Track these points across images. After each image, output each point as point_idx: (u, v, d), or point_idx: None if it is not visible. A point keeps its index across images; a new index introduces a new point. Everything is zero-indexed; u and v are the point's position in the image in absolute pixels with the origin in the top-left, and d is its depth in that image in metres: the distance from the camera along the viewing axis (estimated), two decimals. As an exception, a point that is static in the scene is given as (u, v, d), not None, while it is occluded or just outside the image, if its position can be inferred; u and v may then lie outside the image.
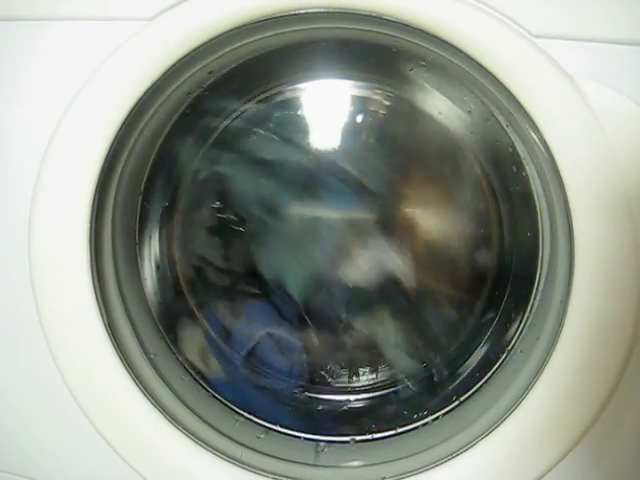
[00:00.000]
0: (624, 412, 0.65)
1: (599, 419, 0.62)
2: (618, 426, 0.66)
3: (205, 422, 0.76)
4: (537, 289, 0.77)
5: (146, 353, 0.76)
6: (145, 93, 0.65)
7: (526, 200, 0.80)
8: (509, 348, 0.79)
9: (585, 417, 0.62)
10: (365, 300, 0.92)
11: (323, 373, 0.92)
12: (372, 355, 0.92)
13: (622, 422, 0.66)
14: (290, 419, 0.85)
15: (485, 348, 0.85)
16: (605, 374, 0.61)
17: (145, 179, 0.82)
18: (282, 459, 0.76)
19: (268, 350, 0.92)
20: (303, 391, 0.91)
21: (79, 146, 0.65)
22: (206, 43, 0.64)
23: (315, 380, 0.92)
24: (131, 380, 0.69)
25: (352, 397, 0.91)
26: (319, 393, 0.91)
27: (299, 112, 0.89)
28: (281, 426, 0.83)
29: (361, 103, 0.88)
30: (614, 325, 0.60)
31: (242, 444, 0.76)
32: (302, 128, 0.89)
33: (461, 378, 0.85)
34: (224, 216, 0.91)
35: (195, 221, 0.92)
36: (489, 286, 0.87)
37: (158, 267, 0.88)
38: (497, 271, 0.86)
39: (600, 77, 0.58)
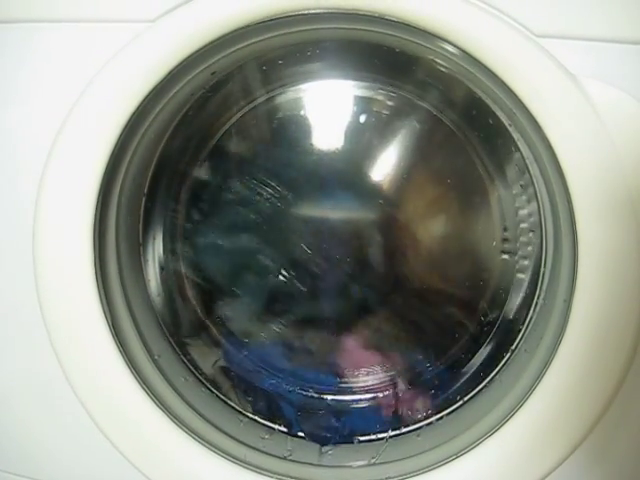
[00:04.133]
0: (628, 412, 0.65)
1: (603, 418, 0.62)
2: (622, 426, 0.66)
3: (209, 423, 0.76)
4: (541, 288, 0.77)
5: (150, 354, 0.76)
6: (148, 95, 0.65)
7: (529, 199, 0.80)
8: (513, 347, 0.79)
9: (589, 416, 0.62)
10: (368, 300, 0.92)
11: (327, 373, 0.92)
12: (376, 355, 0.92)
13: (626, 422, 0.66)
14: (294, 419, 0.85)
15: (489, 347, 0.85)
16: (609, 373, 0.61)
17: (149, 180, 0.82)
18: (286, 459, 0.76)
19: (272, 350, 0.92)
20: (307, 391, 0.91)
21: (83, 147, 0.65)
22: (209, 44, 0.64)
23: (319, 380, 0.92)
24: (135, 381, 0.70)
25: (356, 397, 0.91)
26: (323, 393, 0.91)
27: (302, 113, 0.89)
28: (285, 426, 0.83)
29: (364, 103, 0.88)
30: (618, 323, 0.60)
31: (246, 445, 0.76)
32: (305, 129, 0.89)
33: (465, 378, 0.85)
34: (228, 216, 0.91)
35: (199, 221, 0.92)
36: (492, 285, 0.87)
37: (162, 268, 0.88)
38: (500, 270, 0.86)
39: (603, 76, 0.58)
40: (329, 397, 0.91)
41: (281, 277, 0.91)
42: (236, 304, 0.93)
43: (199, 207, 0.92)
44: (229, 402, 0.84)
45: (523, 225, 0.83)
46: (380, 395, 0.90)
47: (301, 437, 0.83)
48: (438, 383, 0.87)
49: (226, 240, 0.92)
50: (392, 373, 0.91)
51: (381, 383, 0.91)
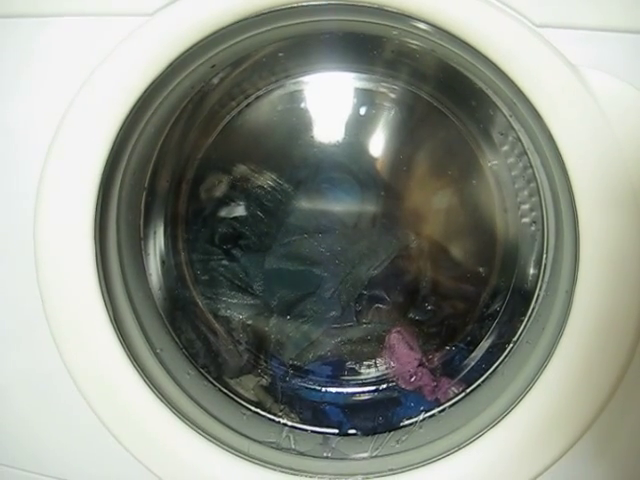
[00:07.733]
0: (630, 403, 0.65)
1: (605, 409, 0.62)
2: (624, 416, 0.66)
3: (212, 416, 0.76)
4: (542, 280, 0.77)
5: (152, 348, 0.76)
6: (148, 88, 0.65)
7: (531, 191, 0.80)
8: (515, 339, 0.79)
9: (592, 407, 0.62)
10: (371, 293, 0.92)
11: (330, 366, 0.92)
12: (379, 348, 0.92)
13: (628, 413, 0.66)
14: (298, 412, 0.85)
15: (491, 339, 0.85)
16: (611, 364, 0.61)
17: (149, 174, 0.82)
18: (289, 452, 0.77)
19: (274, 343, 0.92)
20: (310, 384, 0.91)
21: (83, 142, 0.65)
22: (208, 37, 0.63)
23: (322, 373, 0.92)
24: (137, 375, 0.70)
25: (359, 390, 0.91)
26: (326, 386, 0.91)
27: (302, 105, 0.89)
28: (288, 419, 0.83)
29: (364, 96, 0.88)
30: (620, 315, 0.60)
31: (249, 438, 0.76)
32: (306, 121, 0.89)
33: (467, 369, 0.85)
34: (228, 210, 0.91)
35: (199, 215, 0.92)
36: (495, 277, 0.87)
37: (163, 262, 0.88)
38: (502, 262, 0.86)
39: (603, 66, 0.58)
40: (332, 389, 0.91)
41: (280, 271, 0.91)
42: (238, 297, 0.93)
43: (200, 201, 0.92)
44: (232, 395, 0.84)
45: (525, 220, 0.83)
46: (382, 388, 0.91)
47: (305, 430, 0.83)
48: (441, 375, 0.87)
49: (227, 233, 0.92)
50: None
51: (384, 376, 0.91)
